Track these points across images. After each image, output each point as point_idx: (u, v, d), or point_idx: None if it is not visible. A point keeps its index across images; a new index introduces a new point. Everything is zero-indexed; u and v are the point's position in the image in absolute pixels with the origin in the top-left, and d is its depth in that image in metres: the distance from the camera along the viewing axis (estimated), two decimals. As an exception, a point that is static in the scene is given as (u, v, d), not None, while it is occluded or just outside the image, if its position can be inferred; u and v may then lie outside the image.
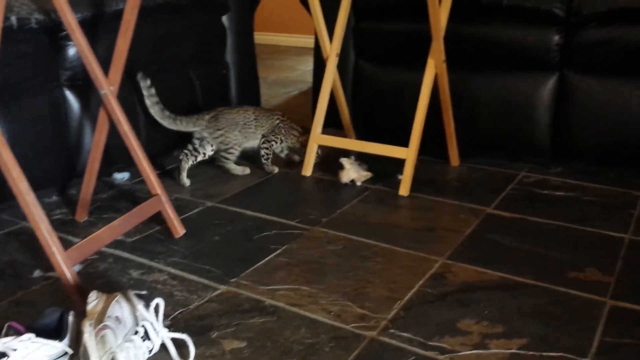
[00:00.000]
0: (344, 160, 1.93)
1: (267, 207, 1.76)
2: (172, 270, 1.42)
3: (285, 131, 2.05)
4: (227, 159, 2.01)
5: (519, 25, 1.93)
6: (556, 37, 1.89)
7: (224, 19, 2.26)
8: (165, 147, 2.10)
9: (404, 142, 1.85)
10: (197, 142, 1.98)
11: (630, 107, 1.83)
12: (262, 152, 2.03)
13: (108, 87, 1.49)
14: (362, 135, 2.18)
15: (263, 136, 2.03)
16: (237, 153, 2.02)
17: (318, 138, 2.01)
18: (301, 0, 2.21)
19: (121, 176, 1.97)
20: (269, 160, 2.03)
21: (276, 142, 2.04)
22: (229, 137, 1.98)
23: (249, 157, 2.09)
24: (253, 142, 2.04)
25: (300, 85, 3.46)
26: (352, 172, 1.93)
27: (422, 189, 1.88)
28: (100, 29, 1.73)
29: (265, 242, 1.56)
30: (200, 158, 1.98)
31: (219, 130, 1.97)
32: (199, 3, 2.11)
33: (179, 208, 1.73)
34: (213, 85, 2.21)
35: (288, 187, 1.95)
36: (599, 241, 1.55)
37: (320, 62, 2.17)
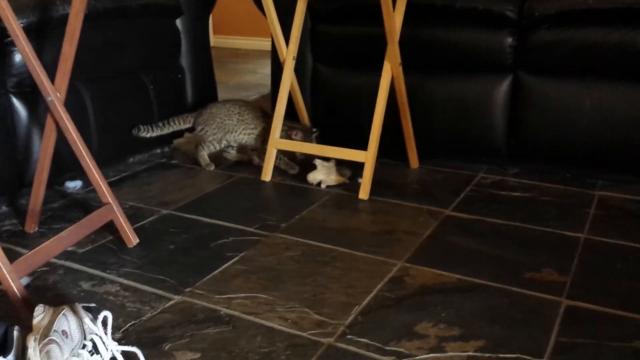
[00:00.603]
0: (317, 162, 1.92)
1: (224, 213, 1.74)
2: (125, 281, 1.38)
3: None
4: (202, 148, 2.09)
5: (473, 28, 1.94)
6: (509, 39, 1.91)
7: (178, 23, 2.22)
8: (118, 154, 2.06)
9: (363, 145, 1.85)
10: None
11: (583, 107, 1.86)
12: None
13: (54, 93, 1.44)
14: (321, 139, 2.17)
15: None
16: (213, 148, 2.08)
17: (277, 143, 1.99)
18: (256, 4, 2.19)
19: (73, 185, 1.92)
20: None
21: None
22: (207, 132, 2.06)
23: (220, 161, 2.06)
24: (236, 137, 2.09)
25: (261, 88, 3.44)
26: (320, 174, 1.91)
27: (382, 192, 1.87)
28: (46, 34, 1.68)
29: (222, 249, 1.53)
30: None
31: (199, 125, 2.08)
32: (151, 7, 2.07)
33: (133, 216, 1.69)
34: (168, 90, 2.17)
35: (247, 192, 1.92)
36: (555, 241, 1.56)
37: (277, 66, 2.15)
